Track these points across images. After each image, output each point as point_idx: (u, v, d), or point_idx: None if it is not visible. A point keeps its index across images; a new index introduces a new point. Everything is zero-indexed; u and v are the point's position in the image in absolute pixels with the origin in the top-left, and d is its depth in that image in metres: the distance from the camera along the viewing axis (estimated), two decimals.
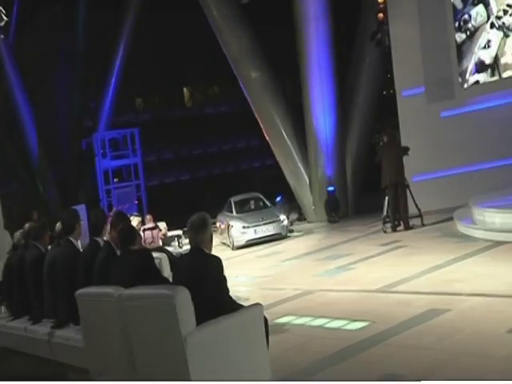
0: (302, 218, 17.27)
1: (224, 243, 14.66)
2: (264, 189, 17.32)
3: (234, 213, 14.72)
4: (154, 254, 5.58)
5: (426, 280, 7.30)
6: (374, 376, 4.52)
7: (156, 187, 27.22)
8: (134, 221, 8.84)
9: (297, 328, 6.24)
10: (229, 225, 14.14)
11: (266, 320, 4.27)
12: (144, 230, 10.63)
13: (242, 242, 13.72)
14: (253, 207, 15.08)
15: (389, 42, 14.81)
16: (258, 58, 17.49)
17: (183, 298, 3.79)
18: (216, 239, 14.55)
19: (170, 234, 12.37)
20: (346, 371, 4.81)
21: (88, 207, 14.30)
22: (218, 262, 4.19)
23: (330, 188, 16.08)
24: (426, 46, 14.29)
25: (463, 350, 4.80)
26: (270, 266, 10.59)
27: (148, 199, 22.69)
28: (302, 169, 17.18)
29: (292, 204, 17.60)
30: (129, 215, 7.52)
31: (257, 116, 18.09)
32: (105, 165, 21.68)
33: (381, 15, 14.45)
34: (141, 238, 5.09)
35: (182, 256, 4.82)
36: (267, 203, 15.24)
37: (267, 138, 18.16)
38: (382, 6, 14.45)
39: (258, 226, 13.81)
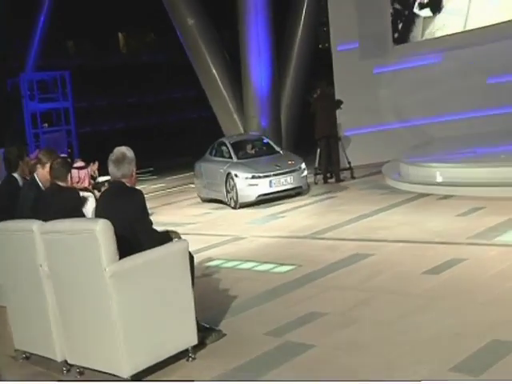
0: None
1: (217, 199, 11.17)
2: (200, 139, 17.09)
3: (234, 158, 10.85)
4: (82, 194, 5.45)
5: (353, 228, 7.55)
6: (298, 314, 4.67)
7: (88, 134, 26.36)
8: None
9: (225, 271, 6.34)
10: (228, 174, 10.51)
11: (191, 257, 4.27)
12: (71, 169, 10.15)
13: (252, 198, 10.16)
14: (256, 151, 11.44)
15: None
16: (195, 4, 17.00)
17: (105, 231, 3.72)
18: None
19: (100, 179, 12.00)
20: (271, 310, 4.96)
21: None
22: (139, 195, 4.11)
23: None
24: (361, 0, 14.31)
25: (384, 289, 5.04)
26: (202, 214, 10.60)
27: (80, 146, 21.94)
28: (237, 119, 17.10)
29: None
30: None
31: (193, 65, 17.71)
32: (32, 107, 20.66)
33: None
34: (71, 177, 4.91)
35: (104, 191, 4.67)
36: (275, 147, 11.65)
37: (203, 87, 17.87)
38: None
39: (274, 175, 10.31)
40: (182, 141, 27.67)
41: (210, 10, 17.33)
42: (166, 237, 4.24)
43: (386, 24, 14.30)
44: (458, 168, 9.04)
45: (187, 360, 4.06)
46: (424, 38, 13.96)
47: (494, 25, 12.58)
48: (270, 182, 10.24)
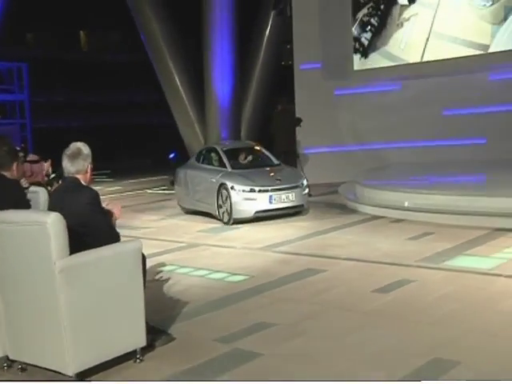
0: None
1: (204, 212, 10.05)
2: (161, 144, 16.98)
3: (229, 167, 9.78)
4: (33, 188, 5.33)
5: (307, 243, 7.69)
6: (248, 323, 4.74)
7: (44, 130, 25.71)
8: None
9: (178, 276, 6.35)
10: (222, 185, 9.40)
11: (144, 257, 4.26)
12: (24, 162, 9.85)
13: (248, 214, 9.15)
14: (251, 161, 10.32)
15: (291, 12, 15.00)
16: (160, 8, 17.05)
17: (57, 224, 3.68)
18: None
19: (52, 176, 11.76)
20: (222, 317, 5.00)
21: None
22: (93, 193, 4.07)
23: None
24: (325, 22, 14.64)
25: (334, 304, 5.16)
26: (157, 219, 10.55)
27: (35, 142, 21.38)
28: (197, 128, 17.18)
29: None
30: None
31: (156, 71, 17.72)
32: None
33: None
34: (17, 168, 4.74)
35: (58, 186, 4.59)
36: (272, 158, 10.51)
37: (165, 94, 17.87)
38: None
39: (275, 190, 9.27)
40: (141, 145, 27.46)
41: (176, 17, 17.37)
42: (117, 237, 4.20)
43: (349, 47, 14.68)
44: (411, 194, 9.33)
45: (135, 361, 4.05)
46: (386, 65, 14.38)
47: (450, 59, 13.15)
48: (270, 197, 9.19)
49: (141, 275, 4.14)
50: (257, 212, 9.18)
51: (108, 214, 4.22)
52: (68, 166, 4.12)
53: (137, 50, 24.05)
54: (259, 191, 9.17)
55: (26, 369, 4.02)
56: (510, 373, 3.60)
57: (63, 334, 3.72)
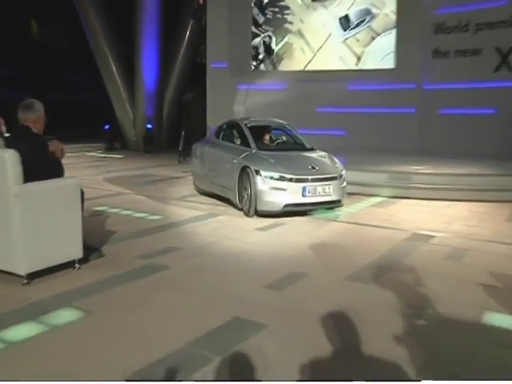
0: (124, 145, 16.98)
1: (220, 196, 7.29)
2: (88, 120, 16.27)
3: (254, 147, 6.83)
4: None
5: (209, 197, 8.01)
6: (161, 246, 5.01)
7: None
8: None
9: (110, 214, 6.47)
10: (245, 168, 6.48)
11: (82, 191, 4.38)
12: None
13: (276, 207, 6.27)
14: (279, 143, 7.40)
15: (205, 21, 15.14)
16: (100, 8, 16.37)
17: (13, 158, 3.80)
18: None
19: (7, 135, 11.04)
20: (142, 242, 5.22)
21: None
22: (41, 139, 4.12)
23: (149, 126, 16.08)
24: (232, 31, 14.94)
25: (227, 236, 5.51)
26: (94, 174, 10.36)
27: None
28: (128, 107, 16.80)
29: (117, 133, 17.08)
30: None
31: (95, 58, 17.01)
32: None
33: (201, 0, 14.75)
34: None
35: (12, 133, 4.53)
36: (303, 141, 7.44)
37: (103, 76, 17.22)
38: None
39: (310, 181, 6.32)
40: (71, 119, 25.94)
41: (113, 14, 16.66)
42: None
43: (248, 53, 15.10)
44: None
45: (73, 269, 4.21)
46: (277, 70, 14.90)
47: (325, 71, 13.95)
48: (304, 189, 6.27)
49: (79, 203, 4.26)
50: (286, 205, 6.27)
51: (53, 155, 4.26)
52: (21, 114, 4.17)
53: (79, 39, 22.60)
54: (291, 180, 6.25)
55: None
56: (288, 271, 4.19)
57: (17, 242, 3.82)
